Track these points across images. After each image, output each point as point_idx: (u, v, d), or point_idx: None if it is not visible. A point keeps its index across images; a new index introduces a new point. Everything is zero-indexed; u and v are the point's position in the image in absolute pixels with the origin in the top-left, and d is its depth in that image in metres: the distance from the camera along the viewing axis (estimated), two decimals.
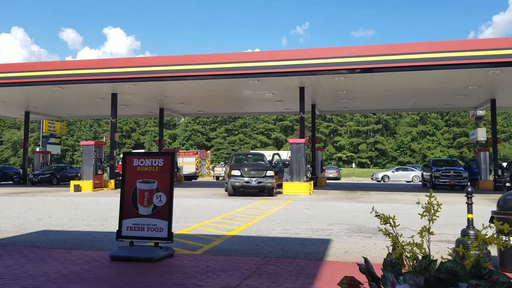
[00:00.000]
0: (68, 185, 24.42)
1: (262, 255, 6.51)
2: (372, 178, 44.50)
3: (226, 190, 20.10)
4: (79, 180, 24.60)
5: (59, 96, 25.62)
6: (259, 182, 18.73)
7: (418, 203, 3.45)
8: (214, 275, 5.18)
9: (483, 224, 3.29)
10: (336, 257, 6.41)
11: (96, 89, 23.48)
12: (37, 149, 40.54)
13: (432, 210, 3.16)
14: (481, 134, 31.99)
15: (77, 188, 22.33)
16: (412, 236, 3.31)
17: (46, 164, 33.73)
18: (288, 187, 20.97)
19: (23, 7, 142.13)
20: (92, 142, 24.80)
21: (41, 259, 6.09)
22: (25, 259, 6.05)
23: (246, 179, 18.77)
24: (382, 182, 40.55)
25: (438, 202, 3.18)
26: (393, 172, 42.78)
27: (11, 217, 11.20)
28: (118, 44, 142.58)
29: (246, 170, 19.09)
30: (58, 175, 30.60)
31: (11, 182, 31.72)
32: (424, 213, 3.18)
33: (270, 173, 19.13)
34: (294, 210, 13.15)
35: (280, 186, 21.66)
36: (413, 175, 41.49)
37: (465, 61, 17.13)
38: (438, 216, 3.17)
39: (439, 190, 23.75)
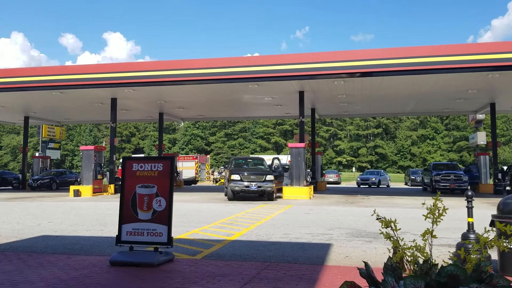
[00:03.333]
0: (67, 190, 24.38)
1: (262, 260, 6.48)
2: (358, 183, 38.09)
3: (225, 195, 20.07)
4: (78, 185, 24.56)
5: (59, 101, 25.63)
6: (259, 187, 18.71)
7: (424, 203, 3.44)
8: (214, 280, 5.16)
9: (485, 228, 3.28)
10: (336, 262, 6.39)
11: (96, 94, 23.49)
12: (37, 154, 40.60)
13: (437, 212, 3.15)
14: (481, 137, 32.04)
15: (77, 193, 22.29)
16: (414, 240, 3.30)
17: (46, 169, 33.68)
18: (288, 191, 20.94)
19: (23, 12, 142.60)
20: (91, 147, 24.80)
21: (40, 264, 6.06)
22: (24, 265, 6.02)
23: (245, 183, 18.74)
24: (375, 187, 37.12)
25: (444, 206, 3.17)
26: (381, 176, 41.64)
27: (10, 222, 11.17)
28: (118, 49, 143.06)
29: (245, 174, 19.07)
30: (58, 180, 30.56)
31: (10, 187, 31.69)
32: (428, 215, 3.17)
33: (270, 177, 19.11)
34: (294, 215, 13.12)
35: (280, 190, 21.62)
36: (388, 179, 41.83)
37: (465, 65, 17.17)
38: (442, 219, 3.16)
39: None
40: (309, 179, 23.70)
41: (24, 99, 26.03)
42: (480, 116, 32.85)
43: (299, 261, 6.45)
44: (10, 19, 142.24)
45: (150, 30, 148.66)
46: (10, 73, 22.36)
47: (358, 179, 38.91)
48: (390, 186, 39.03)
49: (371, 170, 48.81)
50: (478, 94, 22.86)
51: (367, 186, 37.42)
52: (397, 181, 57.43)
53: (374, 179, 37.91)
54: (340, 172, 56.55)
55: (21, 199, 20.46)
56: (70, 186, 24.55)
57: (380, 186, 37.91)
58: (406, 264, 2.99)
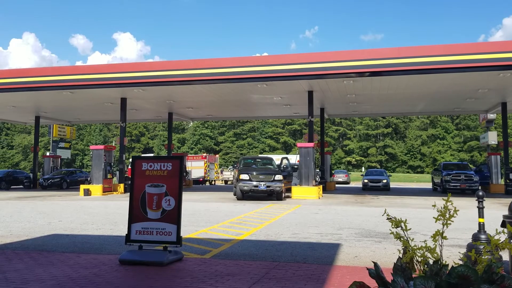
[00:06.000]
0: (78, 189, 24.58)
1: (271, 260, 6.48)
2: (367, 186, 29.81)
3: (234, 194, 20.09)
4: (88, 184, 24.73)
5: (69, 101, 25.82)
6: (267, 186, 18.70)
7: (434, 205, 3.41)
8: (223, 280, 5.17)
9: (496, 229, 3.24)
10: (345, 262, 6.37)
11: (106, 94, 23.62)
12: (47, 154, 40.93)
13: (447, 214, 3.12)
14: (492, 137, 31.70)
15: (87, 192, 22.45)
16: (425, 241, 3.27)
17: (56, 169, 33.97)
18: (297, 191, 20.90)
19: (35, 13, 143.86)
20: (101, 147, 24.94)
21: (50, 263, 6.11)
22: (35, 263, 6.07)
23: (254, 183, 18.73)
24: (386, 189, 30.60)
25: (455, 208, 3.15)
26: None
27: (22, 221, 11.28)
28: (128, 49, 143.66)
29: (254, 174, 19.06)
30: (68, 179, 30.81)
31: (21, 186, 32.00)
32: (439, 217, 3.15)
33: (278, 177, 19.08)
34: (303, 214, 13.09)
35: (289, 190, 21.59)
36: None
37: (475, 64, 16.99)
38: (453, 221, 3.14)
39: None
40: (318, 179, 23.65)
41: (35, 99, 26.26)
42: (491, 116, 32.53)
43: (308, 261, 6.43)
44: (22, 20, 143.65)
45: (159, 30, 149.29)
46: (21, 73, 22.57)
47: (365, 180, 30.47)
48: (391, 187, 37.09)
49: (373, 169, 40.06)
50: (489, 93, 22.65)
51: (377, 189, 29.57)
52: (406, 181, 57.10)
53: (385, 180, 30.32)
54: (349, 172, 56.34)
55: (32, 198, 20.65)
56: (80, 185, 24.73)
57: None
58: (416, 265, 2.96)
